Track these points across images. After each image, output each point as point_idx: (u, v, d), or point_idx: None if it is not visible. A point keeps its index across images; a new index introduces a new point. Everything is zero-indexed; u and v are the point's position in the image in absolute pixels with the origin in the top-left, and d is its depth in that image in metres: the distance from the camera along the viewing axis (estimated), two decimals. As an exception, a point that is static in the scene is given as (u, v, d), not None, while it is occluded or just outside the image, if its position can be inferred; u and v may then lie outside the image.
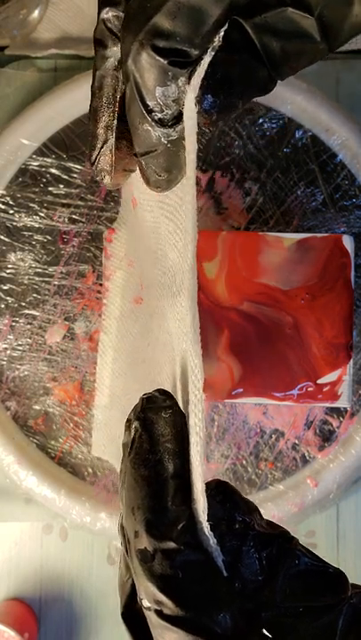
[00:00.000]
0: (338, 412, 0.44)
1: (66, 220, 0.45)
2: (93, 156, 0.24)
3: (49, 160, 0.45)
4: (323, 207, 0.44)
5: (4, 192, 0.45)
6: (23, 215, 0.45)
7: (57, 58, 0.48)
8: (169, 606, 0.18)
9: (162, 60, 0.19)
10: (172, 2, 0.19)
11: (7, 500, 0.45)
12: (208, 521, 0.19)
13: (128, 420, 0.22)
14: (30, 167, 0.45)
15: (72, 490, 0.43)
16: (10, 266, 0.45)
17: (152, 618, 0.18)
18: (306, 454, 0.44)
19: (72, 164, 0.45)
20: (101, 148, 0.23)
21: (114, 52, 0.22)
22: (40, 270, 0.45)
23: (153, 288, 0.32)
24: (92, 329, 0.44)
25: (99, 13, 0.22)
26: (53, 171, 0.45)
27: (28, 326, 0.44)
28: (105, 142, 0.23)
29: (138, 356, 0.36)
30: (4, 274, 0.45)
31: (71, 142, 0.45)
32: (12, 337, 0.44)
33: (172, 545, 0.19)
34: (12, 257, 0.45)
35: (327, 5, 0.19)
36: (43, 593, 0.47)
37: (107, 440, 0.40)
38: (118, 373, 0.39)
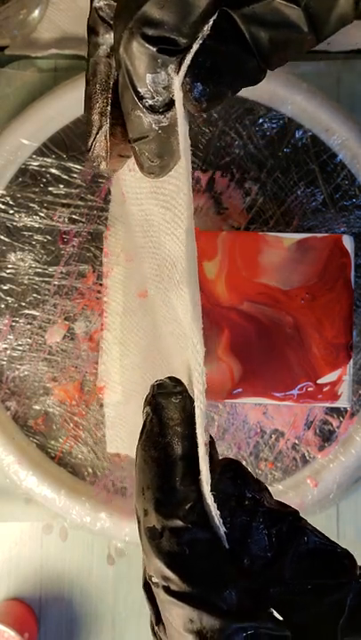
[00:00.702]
0: (338, 412, 0.44)
1: (66, 219, 0.45)
2: (89, 143, 0.24)
3: (49, 160, 0.45)
4: (323, 207, 0.44)
5: (4, 192, 0.45)
6: (23, 215, 0.45)
7: (57, 58, 0.48)
8: (176, 582, 0.18)
9: (151, 47, 0.19)
10: None
11: (7, 499, 0.45)
12: (216, 496, 0.20)
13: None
14: (30, 167, 0.45)
15: (72, 490, 0.43)
16: (10, 266, 0.45)
17: (160, 594, 0.19)
18: (306, 454, 0.44)
19: (72, 164, 0.45)
20: (96, 134, 0.24)
21: (106, 39, 0.22)
22: (40, 270, 0.45)
23: (151, 280, 0.32)
24: (92, 329, 0.44)
25: (92, 1, 0.22)
26: (53, 171, 0.45)
27: (28, 326, 0.44)
28: (100, 128, 0.24)
29: (152, 347, 0.36)
30: (4, 274, 0.45)
31: (71, 142, 0.45)
32: (12, 337, 0.44)
33: (179, 523, 0.19)
34: (12, 257, 0.45)
35: None
36: (43, 593, 0.47)
37: (125, 434, 0.40)
38: (130, 367, 0.39)
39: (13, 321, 0.44)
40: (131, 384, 0.39)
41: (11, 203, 0.45)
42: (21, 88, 0.47)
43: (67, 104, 0.44)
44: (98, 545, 0.47)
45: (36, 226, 0.45)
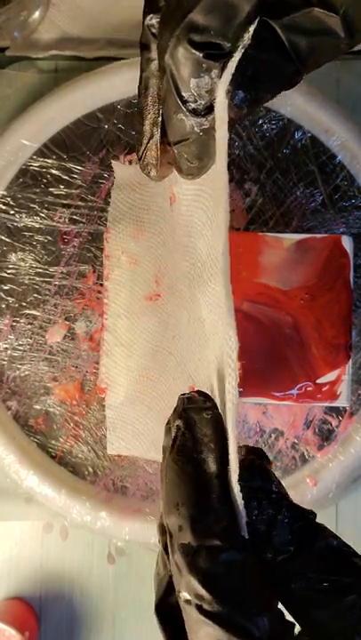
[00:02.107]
0: (337, 412, 0.44)
1: (66, 220, 0.45)
2: (140, 152, 0.26)
3: (49, 161, 0.45)
4: (322, 208, 0.45)
5: (5, 193, 0.45)
6: (24, 216, 0.45)
7: (57, 59, 0.48)
8: (209, 601, 0.18)
9: (197, 52, 0.21)
10: None
11: (8, 499, 0.45)
12: (243, 489, 0.20)
13: (167, 424, 0.23)
14: (31, 168, 0.45)
15: (72, 489, 0.43)
16: (11, 266, 0.45)
17: (191, 612, 0.19)
18: (305, 453, 0.44)
19: (72, 165, 0.45)
20: (147, 143, 0.25)
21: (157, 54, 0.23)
22: (41, 270, 0.45)
23: (182, 280, 0.33)
24: (92, 329, 0.44)
25: (143, 20, 0.23)
26: (54, 171, 0.45)
27: (29, 326, 0.45)
28: (151, 138, 0.25)
29: (160, 349, 0.37)
30: (4, 274, 0.45)
31: (72, 143, 0.45)
32: (12, 337, 0.44)
33: (216, 542, 0.19)
34: (12, 257, 0.45)
35: (351, 5, 0.21)
36: (43, 592, 0.47)
37: (128, 436, 0.40)
38: (135, 369, 0.39)
39: (14, 321, 0.45)
40: (134, 386, 0.40)
41: (11, 203, 0.45)
42: (22, 89, 0.47)
43: (67, 105, 0.45)
44: (98, 544, 0.47)
45: (37, 226, 0.45)
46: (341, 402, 0.38)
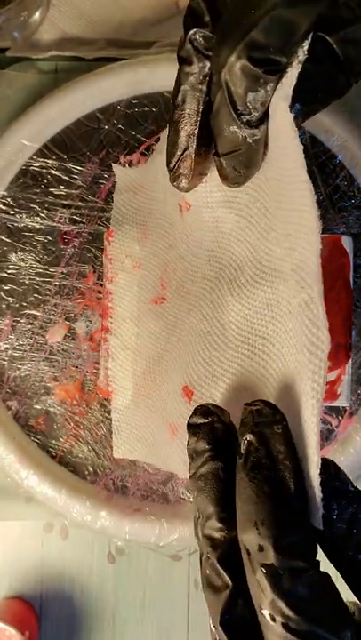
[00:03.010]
0: (337, 412, 0.44)
1: (66, 220, 0.45)
2: (173, 163, 0.27)
3: (50, 161, 0.45)
4: (322, 208, 0.45)
5: (6, 193, 0.45)
6: (24, 216, 0.45)
7: (58, 59, 0.48)
8: (296, 621, 0.19)
9: (257, 69, 0.22)
10: (267, 18, 0.21)
11: (8, 498, 0.45)
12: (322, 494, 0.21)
13: (195, 426, 0.24)
14: (31, 168, 0.45)
15: (73, 489, 0.43)
16: (11, 266, 0.45)
17: (276, 628, 0.19)
18: (305, 453, 0.44)
19: (73, 166, 0.45)
20: (182, 154, 0.26)
21: (198, 68, 0.24)
22: (41, 270, 0.45)
23: (197, 283, 0.33)
24: (92, 329, 0.44)
25: (185, 33, 0.24)
26: (54, 172, 0.45)
27: (29, 326, 0.45)
28: (185, 149, 0.26)
29: (165, 352, 0.37)
30: (5, 274, 0.45)
31: (72, 143, 0.45)
32: (13, 337, 0.45)
33: (300, 564, 0.20)
34: (13, 257, 0.45)
35: None
36: (43, 591, 0.47)
37: (133, 440, 0.40)
38: (140, 373, 0.39)
39: (14, 321, 0.45)
40: (139, 389, 0.40)
41: (12, 204, 0.45)
42: (22, 89, 0.47)
43: (67, 105, 0.45)
44: (98, 543, 0.47)
45: (37, 226, 0.45)
46: (341, 402, 0.38)
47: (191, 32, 0.24)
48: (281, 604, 0.19)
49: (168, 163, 0.27)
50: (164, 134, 0.39)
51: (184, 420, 0.31)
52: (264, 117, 0.23)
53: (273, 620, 0.19)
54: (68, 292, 0.45)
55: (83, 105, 0.45)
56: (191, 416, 0.25)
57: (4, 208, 0.45)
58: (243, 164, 0.25)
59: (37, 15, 0.47)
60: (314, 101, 0.24)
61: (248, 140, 0.24)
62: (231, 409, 0.25)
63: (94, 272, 0.45)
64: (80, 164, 0.45)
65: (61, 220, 0.45)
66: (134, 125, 0.45)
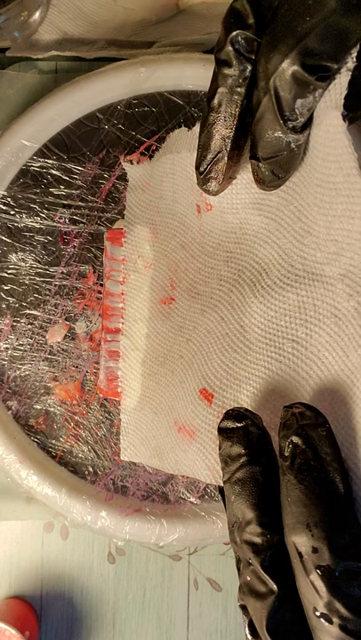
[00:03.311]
0: None
1: (67, 220, 0.45)
2: (204, 166, 0.27)
3: (50, 161, 0.45)
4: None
5: (6, 193, 0.45)
6: (24, 216, 0.45)
7: (58, 59, 0.48)
8: (353, 622, 0.19)
9: (309, 76, 0.22)
10: (323, 25, 0.21)
11: (8, 498, 0.45)
12: None
13: (228, 430, 0.24)
14: (31, 168, 0.45)
15: (73, 488, 0.43)
16: (11, 266, 0.45)
17: (332, 630, 0.20)
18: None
19: (73, 166, 0.45)
20: (214, 157, 0.26)
21: (239, 70, 0.24)
22: (41, 270, 0.45)
23: (211, 284, 0.33)
24: (92, 329, 0.45)
25: (226, 34, 0.24)
26: (54, 172, 0.45)
27: (29, 326, 0.45)
28: (218, 153, 0.26)
29: (171, 353, 0.37)
30: (5, 274, 0.45)
31: (72, 143, 0.46)
32: (13, 337, 0.45)
33: (356, 565, 0.20)
34: (13, 257, 0.45)
35: None
36: (44, 591, 0.47)
37: (138, 442, 0.40)
38: (148, 374, 0.39)
39: (14, 321, 0.45)
40: (145, 391, 0.40)
41: (12, 204, 0.45)
42: (22, 89, 0.47)
43: (67, 105, 0.45)
44: (98, 543, 0.47)
45: (37, 226, 0.45)
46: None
47: (234, 33, 0.24)
48: (338, 606, 0.19)
49: (198, 166, 0.27)
50: (174, 136, 0.39)
51: (203, 423, 0.31)
52: (308, 123, 0.24)
53: (329, 621, 0.20)
54: (68, 292, 0.45)
55: (83, 105, 0.45)
56: (222, 420, 0.24)
57: (4, 208, 0.45)
58: (283, 169, 0.25)
59: (37, 15, 0.48)
60: (359, 107, 0.24)
61: (292, 144, 0.24)
62: (260, 412, 0.25)
63: (94, 272, 0.45)
64: (80, 163, 0.45)
65: (61, 220, 0.45)
66: (134, 125, 0.45)
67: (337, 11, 0.21)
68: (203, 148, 0.26)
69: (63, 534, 0.47)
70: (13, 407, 0.44)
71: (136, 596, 0.47)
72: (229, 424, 0.24)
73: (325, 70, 0.22)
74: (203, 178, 0.27)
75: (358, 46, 0.22)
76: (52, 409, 0.44)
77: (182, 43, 0.47)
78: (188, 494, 0.43)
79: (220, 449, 0.24)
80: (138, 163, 0.45)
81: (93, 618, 0.47)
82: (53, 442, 0.44)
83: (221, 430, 0.24)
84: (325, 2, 0.21)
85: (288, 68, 0.22)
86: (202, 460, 0.31)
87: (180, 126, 0.45)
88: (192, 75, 0.45)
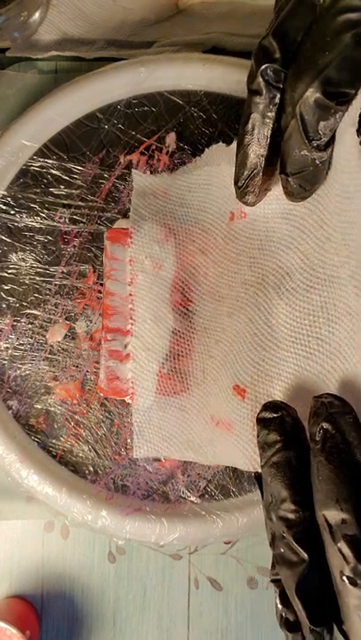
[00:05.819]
0: None
1: (67, 220, 0.45)
2: (242, 181, 0.30)
3: (50, 161, 0.45)
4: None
5: (6, 193, 0.45)
6: (24, 216, 0.45)
7: (57, 60, 0.48)
8: None
9: (330, 102, 0.25)
10: (340, 58, 0.25)
11: (9, 498, 0.45)
12: None
13: (265, 420, 0.27)
14: (31, 168, 0.45)
15: (73, 488, 0.43)
16: (11, 266, 0.45)
17: (357, 592, 0.22)
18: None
19: (73, 165, 0.45)
20: (250, 174, 0.30)
21: (268, 98, 0.28)
22: (41, 270, 0.45)
23: (235, 288, 0.36)
24: (92, 328, 0.45)
25: (257, 68, 0.28)
26: (54, 172, 0.45)
27: (30, 326, 0.45)
28: (254, 169, 0.30)
29: (198, 354, 0.39)
30: (5, 274, 0.45)
31: (72, 143, 0.46)
32: (13, 336, 0.45)
33: None
34: (13, 257, 0.45)
35: None
36: (44, 590, 0.47)
37: (157, 439, 0.41)
38: (164, 373, 0.40)
39: (15, 320, 0.45)
40: (161, 389, 0.40)
41: (12, 203, 0.45)
42: (22, 90, 0.47)
43: (67, 105, 0.45)
44: (99, 543, 0.47)
45: (37, 226, 0.45)
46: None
47: (263, 67, 0.27)
48: None
49: (236, 181, 0.31)
50: (212, 151, 0.42)
51: (238, 417, 0.33)
52: (330, 141, 0.27)
53: (354, 584, 0.22)
54: (68, 291, 0.45)
55: (83, 105, 0.45)
56: (261, 411, 0.27)
57: (4, 208, 0.45)
58: (309, 182, 0.28)
59: (37, 15, 0.48)
60: None
61: (316, 161, 0.27)
62: (292, 405, 0.28)
63: (94, 272, 0.45)
64: (80, 163, 0.45)
65: (61, 220, 0.45)
66: (134, 125, 0.46)
67: (351, 45, 0.24)
68: (240, 166, 0.30)
69: (64, 534, 0.47)
70: (14, 407, 0.44)
71: (136, 596, 0.47)
72: (267, 414, 0.27)
73: (344, 96, 0.25)
74: (241, 192, 0.31)
75: None
76: (52, 408, 0.44)
77: (182, 42, 0.47)
78: (189, 493, 0.43)
79: (258, 436, 0.27)
80: (138, 162, 0.45)
81: (94, 617, 0.47)
82: (54, 441, 0.44)
83: (259, 420, 0.27)
84: (341, 38, 0.25)
85: (311, 95, 0.25)
86: (240, 450, 0.33)
87: (180, 126, 0.45)
88: (191, 74, 0.45)
